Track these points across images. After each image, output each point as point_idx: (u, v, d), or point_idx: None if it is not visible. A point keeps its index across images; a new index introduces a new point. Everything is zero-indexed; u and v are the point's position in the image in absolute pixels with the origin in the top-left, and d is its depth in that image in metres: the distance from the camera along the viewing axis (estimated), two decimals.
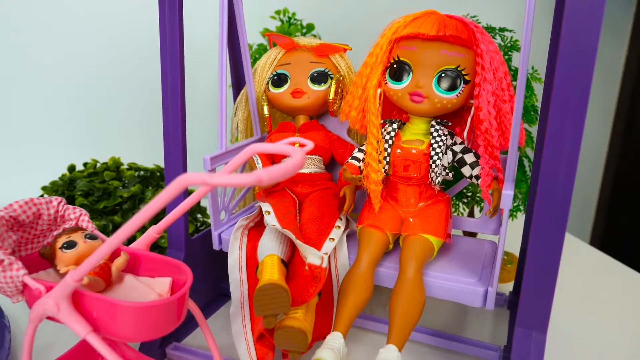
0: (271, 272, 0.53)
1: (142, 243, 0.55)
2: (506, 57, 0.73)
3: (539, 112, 0.71)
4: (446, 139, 0.58)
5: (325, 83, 0.70)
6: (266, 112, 0.72)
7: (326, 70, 0.70)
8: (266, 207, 0.63)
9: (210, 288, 0.77)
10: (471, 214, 0.87)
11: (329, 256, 0.60)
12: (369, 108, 0.59)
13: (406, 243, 0.59)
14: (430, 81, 0.56)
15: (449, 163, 0.59)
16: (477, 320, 0.75)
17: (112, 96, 1.28)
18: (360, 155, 0.63)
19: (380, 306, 0.77)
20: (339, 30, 1.16)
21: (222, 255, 0.67)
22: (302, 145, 0.47)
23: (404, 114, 0.62)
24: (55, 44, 1.23)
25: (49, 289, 0.46)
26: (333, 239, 0.60)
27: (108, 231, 0.80)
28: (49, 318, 0.46)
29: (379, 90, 0.59)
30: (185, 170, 0.66)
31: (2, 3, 1.19)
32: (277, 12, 1.01)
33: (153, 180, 0.90)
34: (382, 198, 0.61)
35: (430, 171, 0.59)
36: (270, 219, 0.60)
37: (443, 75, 0.56)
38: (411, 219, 0.61)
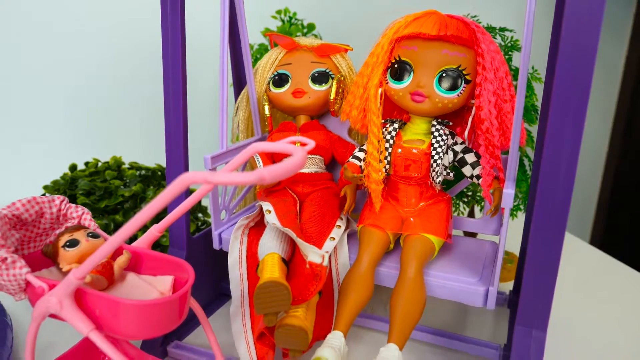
0: (272, 270, 0.53)
1: (144, 241, 0.55)
2: (506, 57, 0.73)
3: (539, 112, 0.71)
4: (447, 139, 0.58)
5: (326, 83, 0.70)
6: (267, 111, 0.72)
7: (327, 71, 0.70)
8: (267, 206, 0.63)
9: (211, 287, 0.77)
10: (471, 214, 0.87)
11: (330, 255, 0.60)
12: (370, 107, 0.59)
13: (407, 242, 0.59)
14: (431, 81, 0.56)
15: (449, 163, 0.60)
16: (477, 319, 0.75)
17: (113, 96, 1.28)
18: (361, 155, 0.63)
19: (381, 305, 0.78)
20: (339, 30, 1.16)
21: (223, 255, 0.67)
22: (303, 144, 0.47)
23: (405, 114, 0.62)
24: (55, 44, 1.23)
25: (52, 286, 0.46)
26: (334, 238, 0.61)
27: (109, 230, 0.80)
28: (52, 316, 0.47)
29: (380, 90, 0.59)
30: (186, 169, 0.67)
31: (2, 3, 1.20)
32: (278, 12, 1.01)
33: (154, 179, 0.90)
34: (382, 198, 0.61)
35: (431, 171, 0.59)
36: (271, 218, 0.60)
37: (444, 75, 0.56)
38: (412, 219, 0.61)
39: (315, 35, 1.01)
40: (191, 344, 0.67)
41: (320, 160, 0.70)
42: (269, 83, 0.72)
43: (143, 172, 0.89)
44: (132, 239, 0.72)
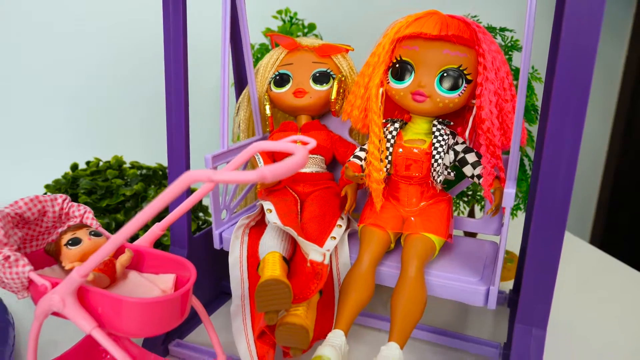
0: (273, 269, 0.53)
1: (146, 240, 0.56)
2: (507, 56, 0.73)
3: (539, 112, 0.71)
4: (448, 139, 0.59)
5: (327, 83, 0.70)
6: (268, 111, 0.72)
7: (328, 71, 0.70)
8: (268, 205, 0.63)
9: (212, 286, 0.78)
10: (471, 213, 0.87)
11: (331, 255, 0.60)
12: (371, 107, 0.60)
13: (408, 242, 0.59)
14: (432, 81, 0.57)
15: (450, 162, 0.60)
16: (477, 318, 0.75)
17: (113, 96, 1.28)
18: (362, 154, 0.63)
19: (382, 304, 0.78)
20: (340, 30, 1.16)
21: (223, 254, 0.67)
22: (304, 144, 0.47)
23: (406, 114, 0.63)
24: (55, 44, 1.23)
25: (54, 285, 0.46)
26: (334, 238, 0.61)
27: (111, 229, 0.80)
28: (54, 314, 0.47)
29: (381, 90, 0.60)
30: (188, 168, 0.67)
31: (2, 3, 1.20)
32: (279, 12, 1.02)
33: (155, 178, 0.90)
34: (383, 197, 0.62)
35: (432, 170, 0.59)
36: (272, 217, 0.60)
37: (445, 74, 0.56)
38: (412, 218, 0.61)
39: (316, 35, 1.01)
40: (192, 342, 0.67)
41: (321, 160, 0.70)
42: (270, 83, 0.72)
43: (144, 171, 0.89)
44: (134, 237, 0.73)
